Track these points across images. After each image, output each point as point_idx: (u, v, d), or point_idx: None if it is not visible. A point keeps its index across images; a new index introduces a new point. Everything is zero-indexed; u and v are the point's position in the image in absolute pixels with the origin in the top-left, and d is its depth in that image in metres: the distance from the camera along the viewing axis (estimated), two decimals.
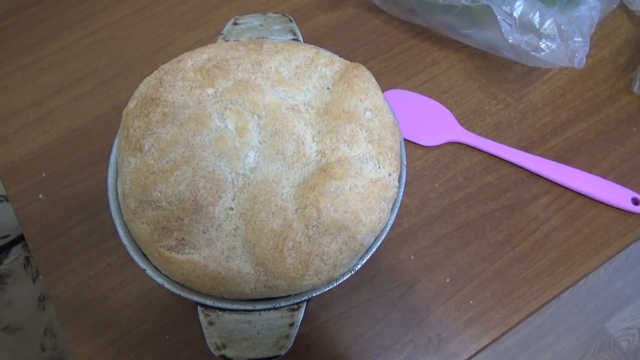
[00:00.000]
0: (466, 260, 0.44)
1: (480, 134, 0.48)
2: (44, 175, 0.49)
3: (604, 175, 0.47)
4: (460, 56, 0.52)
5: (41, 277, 0.46)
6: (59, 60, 0.54)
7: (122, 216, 0.38)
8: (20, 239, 0.85)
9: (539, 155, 0.48)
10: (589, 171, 0.47)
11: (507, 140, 0.48)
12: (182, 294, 0.36)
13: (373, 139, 0.37)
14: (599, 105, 0.50)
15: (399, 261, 0.45)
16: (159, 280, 0.36)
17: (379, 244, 0.36)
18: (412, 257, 0.45)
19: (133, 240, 0.38)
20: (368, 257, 0.36)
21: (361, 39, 0.54)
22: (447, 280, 0.44)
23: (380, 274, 0.44)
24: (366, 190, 0.35)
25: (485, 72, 0.51)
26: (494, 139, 0.48)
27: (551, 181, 0.47)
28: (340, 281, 0.36)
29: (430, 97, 0.50)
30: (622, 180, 0.47)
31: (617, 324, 1.15)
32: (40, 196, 0.49)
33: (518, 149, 0.48)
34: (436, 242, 0.45)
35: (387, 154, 0.37)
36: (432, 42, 0.53)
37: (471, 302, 0.43)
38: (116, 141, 0.41)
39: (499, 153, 0.47)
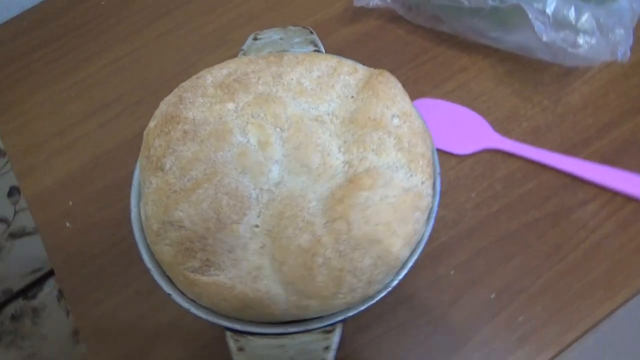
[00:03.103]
0: (511, 274, 0.41)
1: (517, 140, 0.46)
2: (70, 203, 0.49)
3: None
4: (490, 61, 0.50)
5: (69, 307, 0.45)
6: (84, 88, 0.55)
7: (146, 239, 0.37)
8: (53, 272, 0.86)
9: (582, 159, 0.44)
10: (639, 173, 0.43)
11: (547, 145, 0.45)
12: (210, 319, 0.34)
13: (403, 147, 0.35)
14: None
15: (437, 277, 0.42)
16: (185, 305, 0.34)
17: (415, 257, 0.34)
18: (452, 273, 0.42)
19: (158, 264, 0.36)
20: (405, 272, 0.34)
21: (385, 50, 0.52)
22: (492, 295, 0.41)
23: (419, 292, 0.41)
24: (398, 201, 0.33)
25: (519, 76, 0.49)
26: (532, 144, 0.45)
27: (598, 185, 0.43)
28: (376, 299, 0.33)
29: (461, 104, 0.48)
30: None
31: None
32: (67, 224, 0.48)
33: (559, 153, 0.45)
34: (476, 256, 0.42)
35: (419, 162, 0.35)
36: (459, 49, 0.51)
37: (520, 319, 0.40)
38: (138, 163, 0.40)
39: (538, 158, 0.44)
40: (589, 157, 0.45)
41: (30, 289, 0.83)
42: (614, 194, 0.43)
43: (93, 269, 0.46)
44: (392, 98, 0.36)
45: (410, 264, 0.34)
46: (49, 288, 0.85)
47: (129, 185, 0.49)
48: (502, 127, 0.47)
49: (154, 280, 0.36)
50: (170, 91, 0.53)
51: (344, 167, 0.35)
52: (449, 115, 0.47)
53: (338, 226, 0.32)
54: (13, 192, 0.74)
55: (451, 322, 0.40)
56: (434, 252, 0.42)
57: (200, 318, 0.34)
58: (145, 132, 0.38)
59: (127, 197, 0.49)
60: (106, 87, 0.55)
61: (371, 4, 0.50)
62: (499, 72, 0.49)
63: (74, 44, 0.58)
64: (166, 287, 0.35)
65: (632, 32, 0.39)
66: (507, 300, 0.41)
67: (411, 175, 0.34)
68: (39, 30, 0.59)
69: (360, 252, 0.31)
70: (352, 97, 0.37)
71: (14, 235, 0.76)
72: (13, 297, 0.82)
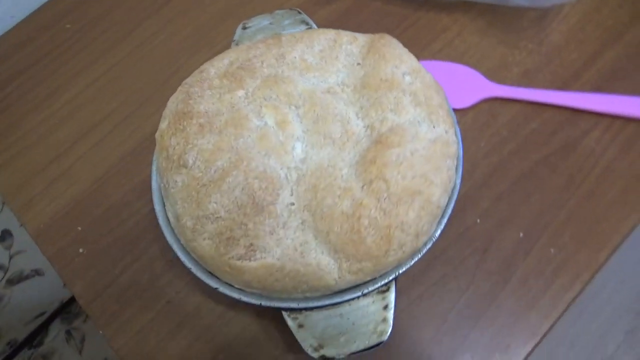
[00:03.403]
0: (534, 211, 0.43)
1: (511, 85, 0.47)
2: (79, 228, 0.47)
3: None
4: (470, 16, 0.51)
5: (100, 332, 0.44)
6: (69, 112, 0.53)
7: (179, 241, 0.37)
8: (57, 313, 0.83)
9: (576, 91, 0.46)
10: (632, 94, 0.45)
11: (540, 85, 0.47)
12: (263, 303, 0.34)
13: (420, 101, 0.35)
14: (621, 30, 0.49)
15: (466, 228, 0.42)
16: (235, 295, 0.34)
17: (452, 204, 0.35)
18: (479, 221, 0.43)
19: (197, 262, 0.36)
20: (445, 220, 0.35)
21: (366, 24, 0.53)
22: (521, 234, 0.42)
23: (451, 245, 0.42)
24: (428, 152, 0.34)
25: (500, 25, 0.51)
26: (526, 86, 0.47)
27: (596, 113, 0.45)
28: (424, 251, 0.34)
29: (451, 61, 0.49)
30: None
31: None
32: (81, 250, 0.47)
33: (553, 89, 0.46)
34: (498, 200, 0.43)
35: (439, 112, 0.35)
36: (437, 10, 0.52)
37: (552, 250, 0.41)
38: (154, 168, 0.39)
39: (535, 98, 0.46)
40: (581, 89, 0.47)
41: (35, 337, 0.80)
42: (613, 118, 0.45)
43: (117, 289, 0.45)
44: (399, 57, 0.37)
45: (449, 212, 0.35)
46: (55, 331, 0.81)
47: (137, 198, 0.48)
48: (495, 75, 0.48)
49: (197, 278, 0.36)
50: (160, 99, 0.53)
51: (366, 131, 0.35)
52: (443, 73, 0.48)
53: (377, 186, 0.32)
54: (5, 236, 0.70)
55: (488, 267, 0.41)
56: (458, 205, 0.42)
57: (253, 305, 0.34)
58: (157, 135, 0.38)
59: (137, 210, 0.48)
60: (92, 107, 0.53)
61: None
62: (480, 25, 0.51)
63: (48, 70, 0.56)
64: (212, 282, 0.35)
65: None
66: (535, 236, 0.42)
67: (434, 127, 0.35)
68: (8, 63, 0.57)
69: (403, 206, 0.32)
70: (358, 64, 0.38)
71: (11, 282, 0.72)
72: (19, 347, 0.79)
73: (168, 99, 0.40)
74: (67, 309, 0.85)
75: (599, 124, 0.45)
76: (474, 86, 0.47)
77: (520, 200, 0.43)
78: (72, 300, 0.87)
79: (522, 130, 0.46)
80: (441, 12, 0.52)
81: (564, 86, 0.47)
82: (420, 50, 0.50)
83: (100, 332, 0.44)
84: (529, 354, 0.39)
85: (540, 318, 0.39)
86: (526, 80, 0.48)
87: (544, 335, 0.40)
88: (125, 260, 0.46)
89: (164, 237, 0.38)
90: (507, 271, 0.41)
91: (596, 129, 0.45)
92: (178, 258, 0.37)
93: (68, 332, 0.82)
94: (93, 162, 0.50)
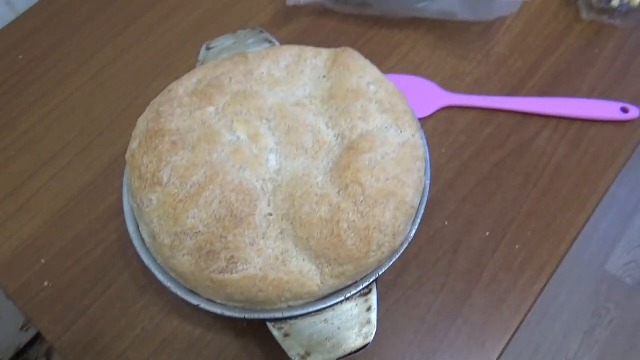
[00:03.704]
0: (497, 210, 0.45)
1: (466, 93, 0.50)
2: (43, 261, 0.46)
3: (589, 96, 0.49)
4: (421, 32, 0.54)
5: None
6: (25, 144, 0.51)
7: (156, 261, 0.36)
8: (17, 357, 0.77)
9: (525, 96, 0.49)
10: (574, 97, 0.49)
11: (492, 92, 0.50)
12: (247, 316, 0.33)
13: (386, 108, 0.37)
14: (558, 39, 0.53)
15: (435, 231, 0.44)
16: (218, 310, 0.34)
17: (424, 204, 0.36)
18: (447, 223, 0.44)
19: (175, 281, 0.35)
20: (419, 221, 0.36)
21: (323, 44, 0.54)
22: (487, 233, 0.44)
23: (423, 248, 0.43)
24: (399, 155, 0.35)
25: (449, 39, 0.54)
26: (479, 94, 0.50)
27: (544, 115, 0.48)
28: (401, 251, 0.35)
29: (407, 74, 0.52)
30: (606, 95, 0.49)
31: (616, 263, 1.18)
32: (46, 284, 0.45)
33: (504, 96, 0.50)
34: (463, 202, 0.45)
35: (405, 118, 0.37)
36: (390, 27, 0.55)
37: (517, 246, 0.43)
38: (125, 190, 0.39)
39: (489, 105, 0.49)
40: (529, 94, 0.50)
41: None
42: (559, 119, 0.48)
43: (87, 321, 0.43)
44: (362, 68, 0.39)
45: (422, 211, 0.36)
46: None
47: (105, 225, 0.47)
48: (449, 85, 0.51)
49: (178, 297, 0.35)
50: (121, 126, 0.52)
51: (337, 139, 0.36)
52: (401, 86, 0.49)
53: (353, 190, 0.33)
54: None
55: (460, 267, 0.43)
56: (426, 209, 0.44)
57: (236, 319, 0.34)
58: (128, 155, 0.37)
59: (105, 238, 0.47)
60: (49, 139, 0.52)
61: (302, 1, 0.52)
62: (431, 39, 0.54)
63: (1, 102, 0.54)
64: (192, 300, 0.34)
65: None
66: (501, 234, 0.44)
67: (401, 132, 0.36)
68: None
69: (379, 208, 0.33)
70: (324, 76, 0.39)
71: None
72: None
73: (128, 127, 0.40)
74: (24, 355, 0.79)
75: (548, 126, 0.48)
76: (431, 96, 0.50)
77: (484, 201, 0.45)
78: (30, 343, 0.82)
79: (479, 135, 0.48)
80: (394, 29, 0.55)
81: (513, 92, 0.50)
82: (378, 65, 0.52)
83: None
84: (502, 353, 0.40)
85: (512, 312, 0.41)
86: (478, 88, 0.51)
87: (517, 329, 0.41)
88: (95, 290, 0.44)
89: (136, 262, 0.37)
90: (478, 269, 0.43)
91: (545, 130, 0.48)
92: (151, 283, 0.36)
93: None
94: (54, 193, 0.49)
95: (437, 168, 0.47)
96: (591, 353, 1.09)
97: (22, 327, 0.56)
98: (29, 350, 0.81)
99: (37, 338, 0.84)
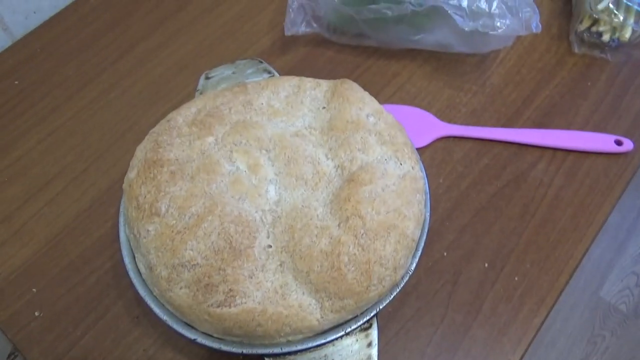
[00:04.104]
0: (495, 241, 0.45)
1: (462, 124, 0.50)
2: (34, 290, 0.45)
3: (583, 128, 0.50)
4: (417, 62, 0.55)
5: None
6: (19, 169, 0.51)
7: (152, 293, 0.35)
8: None
9: (520, 127, 0.50)
10: (568, 128, 0.50)
11: (488, 123, 0.51)
12: (245, 352, 0.33)
13: (385, 140, 0.37)
14: (551, 72, 0.54)
15: (434, 262, 0.44)
16: (215, 345, 0.33)
17: (424, 237, 0.36)
18: (445, 254, 0.44)
19: (171, 314, 0.35)
20: (420, 253, 0.36)
21: (320, 73, 0.55)
22: (486, 265, 0.44)
23: (422, 280, 0.43)
24: (399, 187, 0.35)
25: (445, 70, 0.54)
26: (475, 124, 0.50)
27: (540, 147, 0.49)
28: (402, 284, 0.35)
29: (404, 105, 0.52)
30: (599, 128, 0.50)
31: (610, 290, 1.18)
32: (37, 313, 0.44)
33: (500, 127, 0.50)
34: (461, 233, 0.45)
35: (404, 150, 0.37)
36: (387, 58, 0.56)
37: (516, 278, 0.43)
38: (121, 219, 0.38)
39: (485, 135, 0.49)
40: (524, 125, 0.50)
41: None
42: (554, 150, 0.49)
43: (79, 352, 0.42)
44: (361, 100, 0.39)
45: (422, 244, 0.36)
46: None
47: (99, 254, 0.46)
48: (445, 116, 0.51)
49: (173, 330, 0.34)
50: (117, 152, 0.52)
51: (337, 171, 0.36)
52: (398, 116, 0.50)
53: (353, 222, 0.33)
54: None
55: (459, 298, 0.42)
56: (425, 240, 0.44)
57: (233, 354, 0.33)
58: (125, 184, 0.37)
59: (99, 267, 0.46)
60: (44, 164, 0.51)
61: (300, 31, 0.53)
62: (428, 70, 0.55)
63: None
64: (189, 334, 0.34)
65: (536, 8, 0.45)
66: (499, 265, 0.44)
67: (401, 164, 0.36)
68: None
69: (380, 241, 0.33)
70: (324, 107, 0.39)
71: None
72: None
73: (125, 153, 0.39)
74: None
75: (544, 157, 0.49)
76: (427, 126, 0.50)
77: (482, 231, 0.45)
78: None
79: (476, 166, 0.48)
80: (390, 60, 0.56)
81: (508, 123, 0.51)
82: (375, 95, 0.52)
83: None
84: None
85: (513, 345, 0.41)
86: (474, 119, 0.51)
87: None
88: (88, 320, 0.43)
89: (130, 291, 0.36)
90: (477, 301, 0.42)
91: (541, 161, 0.48)
92: (145, 314, 0.35)
93: None
94: (47, 220, 0.48)
95: (435, 198, 0.47)
96: None
97: (9, 356, 0.54)
98: None
99: None
